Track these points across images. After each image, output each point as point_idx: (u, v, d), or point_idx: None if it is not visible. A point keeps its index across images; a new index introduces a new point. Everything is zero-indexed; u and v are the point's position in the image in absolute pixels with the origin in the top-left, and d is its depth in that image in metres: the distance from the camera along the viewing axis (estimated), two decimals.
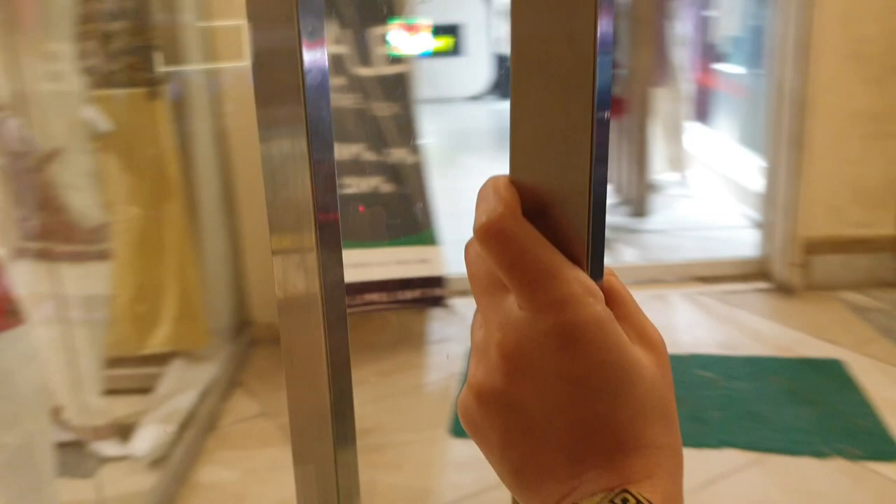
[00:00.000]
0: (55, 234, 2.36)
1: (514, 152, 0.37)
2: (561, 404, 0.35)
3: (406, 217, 3.22)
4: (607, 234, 0.38)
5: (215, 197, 3.18)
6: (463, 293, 3.75)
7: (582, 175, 0.35)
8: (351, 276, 3.09)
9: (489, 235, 0.36)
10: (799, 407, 2.71)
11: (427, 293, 3.23)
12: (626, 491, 0.33)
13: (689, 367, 3.01)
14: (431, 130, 7.50)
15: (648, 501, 0.33)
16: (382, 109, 3.24)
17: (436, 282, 3.23)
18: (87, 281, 2.47)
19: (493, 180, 0.37)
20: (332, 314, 0.54)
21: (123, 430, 2.55)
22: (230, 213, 3.27)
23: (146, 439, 2.48)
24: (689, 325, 3.48)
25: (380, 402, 2.86)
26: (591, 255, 0.36)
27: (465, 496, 2.34)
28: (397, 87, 3.28)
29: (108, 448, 2.47)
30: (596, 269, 0.37)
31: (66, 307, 2.37)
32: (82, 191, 2.44)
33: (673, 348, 3.23)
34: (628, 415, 0.35)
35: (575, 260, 0.36)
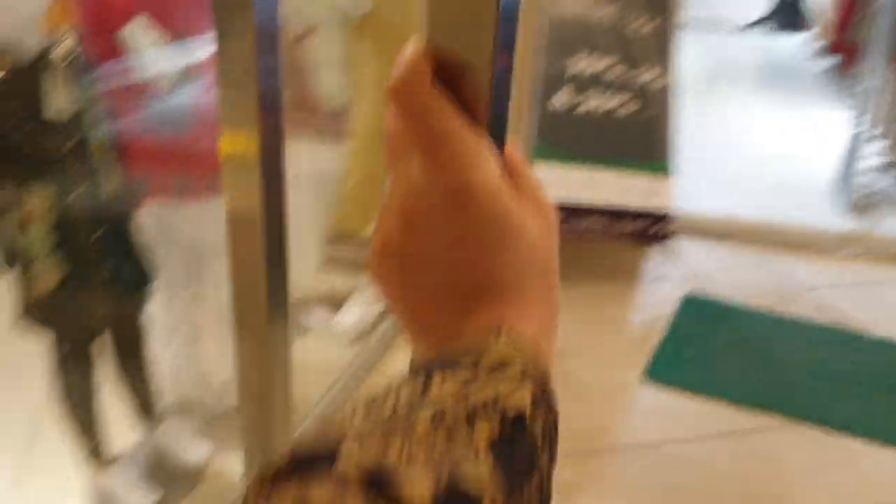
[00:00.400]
0: (298, 111, 2.48)
1: (429, 19, 0.38)
2: (450, 258, 0.38)
3: (643, 142, 3.05)
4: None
5: None
6: (691, 233, 3.55)
7: (486, 46, 0.37)
8: (572, 195, 3.01)
9: (395, 96, 0.37)
10: None
11: (650, 228, 3.08)
12: (503, 327, 0.37)
13: None
14: (692, 55, 7.02)
15: (519, 333, 0.37)
16: (639, 25, 3.04)
17: (662, 216, 3.06)
18: (322, 159, 2.60)
19: (409, 45, 0.38)
20: (270, 176, 0.58)
21: (334, 304, 2.71)
22: None
23: (352, 316, 2.62)
24: None
25: (576, 329, 2.81)
26: (493, 124, 0.39)
27: (642, 444, 2.26)
28: (659, 2, 3.05)
29: (317, 318, 2.64)
30: (498, 137, 0.39)
31: (300, 180, 2.51)
32: (331, 72, 2.53)
33: None
34: (509, 269, 0.39)
35: (477, 127, 0.38)
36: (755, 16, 8.55)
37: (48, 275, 1.57)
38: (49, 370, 1.83)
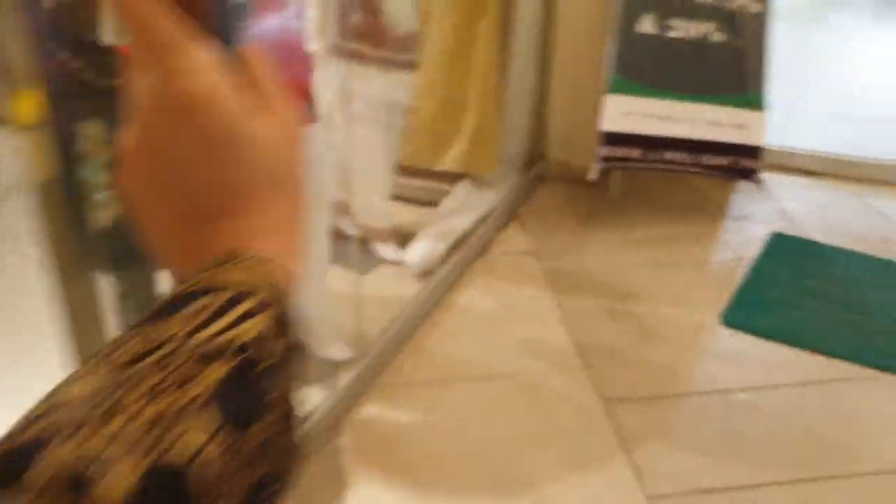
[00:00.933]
0: (369, 37, 2.41)
1: None
2: (184, 172, 0.37)
3: (733, 73, 2.85)
4: None
5: (533, 23, 3.06)
6: (783, 170, 3.35)
7: None
8: (657, 128, 2.87)
9: (117, 7, 0.37)
10: None
11: (738, 162, 2.91)
12: (239, 250, 0.36)
13: None
14: None
15: (257, 254, 0.36)
16: None
17: (751, 151, 2.88)
18: (391, 87, 2.53)
19: None
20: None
21: (402, 238, 2.68)
22: (544, 42, 3.13)
23: (419, 251, 2.59)
24: None
25: (653, 268, 2.70)
26: (218, 25, 0.39)
27: (715, 390, 2.17)
28: None
29: (384, 251, 2.62)
30: (226, 38, 0.39)
31: (369, 110, 2.46)
32: None
33: None
34: (237, 182, 0.38)
35: (200, 31, 0.37)
36: None
37: (106, 211, 1.58)
38: (110, 307, 1.87)
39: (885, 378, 2.20)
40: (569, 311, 2.47)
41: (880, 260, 2.76)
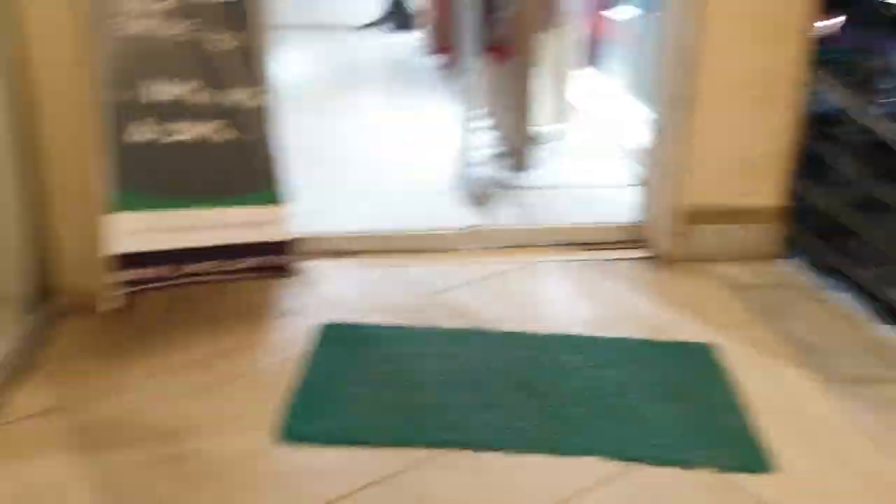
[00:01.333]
0: None
1: None
2: None
3: (243, 172, 2.75)
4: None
5: (8, 143, 2.63)
6: (319, 255, 3.36)
7: None
8: (176, 241, 2.64)
9: None
10: (668, 403, 2.48)
11: (269, 261, 2.81)
12: None
13: (557, 352, 2.73)
14: (303, 61, 6.92)
15: None
16: (222, 41, 2.72)
17: (279, 247, 2.81)
18: None
19: None
20: None
21: None
22: (31, 162, 2.72)
23: None
24: (558, 299, 3.21)
25: (197, 396, 2.45)
26: None
27: None
28: (240, 13, 2.76)
29: None
30: None
31: None
32: None
33: (542, 325, 2.97)
34: None
35: None
36: (367, 18, 8.72)
37: None
38: None
39: (442, 455, 2.22)
40: (106, 474, 2.09)
41: (417, 330, 2.86)
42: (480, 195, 4.08)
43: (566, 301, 3.19)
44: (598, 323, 2.95)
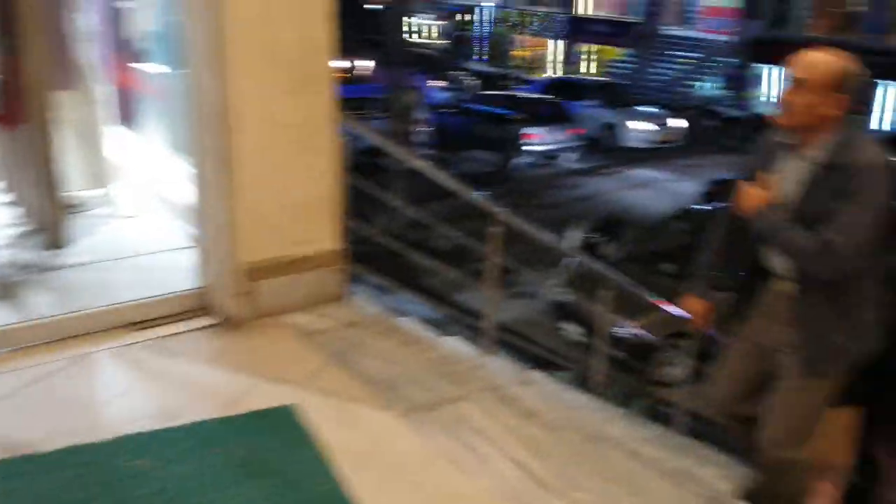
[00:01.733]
0: None
1: None
2: None
3: None
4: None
5: None
6: None
7: None
8: None
9: None
10: (253, 483, 2.29)
11: None
12: None
13: (118, 458, 2.36)
14: None
15: None
16: None
17: None
18: None
19: None
20: None
21: None
22: None
23: None
24: (119, 394, 2.82)
25: None
26: None
27: None
28: None
29: None
30: None
31: None
32: None
33: (99, 434, 2.55)
34: None
35: None
36: None
37: None
38: None
39: None
40: None
41: None
42: (4, 285, 3.45)
43: (127, 395, 2.80)
44: (166, 413, 2.63)
